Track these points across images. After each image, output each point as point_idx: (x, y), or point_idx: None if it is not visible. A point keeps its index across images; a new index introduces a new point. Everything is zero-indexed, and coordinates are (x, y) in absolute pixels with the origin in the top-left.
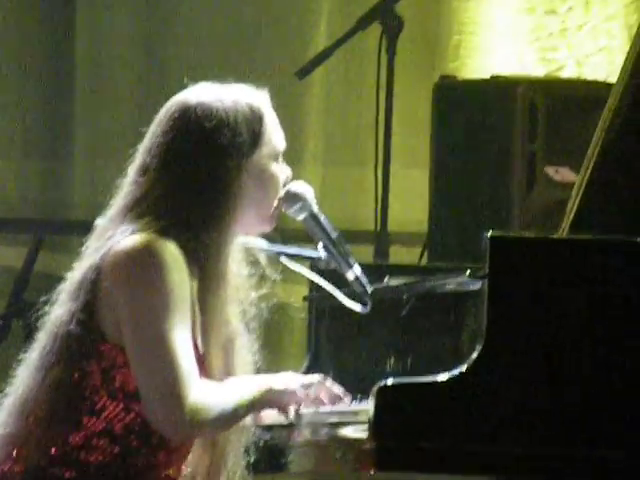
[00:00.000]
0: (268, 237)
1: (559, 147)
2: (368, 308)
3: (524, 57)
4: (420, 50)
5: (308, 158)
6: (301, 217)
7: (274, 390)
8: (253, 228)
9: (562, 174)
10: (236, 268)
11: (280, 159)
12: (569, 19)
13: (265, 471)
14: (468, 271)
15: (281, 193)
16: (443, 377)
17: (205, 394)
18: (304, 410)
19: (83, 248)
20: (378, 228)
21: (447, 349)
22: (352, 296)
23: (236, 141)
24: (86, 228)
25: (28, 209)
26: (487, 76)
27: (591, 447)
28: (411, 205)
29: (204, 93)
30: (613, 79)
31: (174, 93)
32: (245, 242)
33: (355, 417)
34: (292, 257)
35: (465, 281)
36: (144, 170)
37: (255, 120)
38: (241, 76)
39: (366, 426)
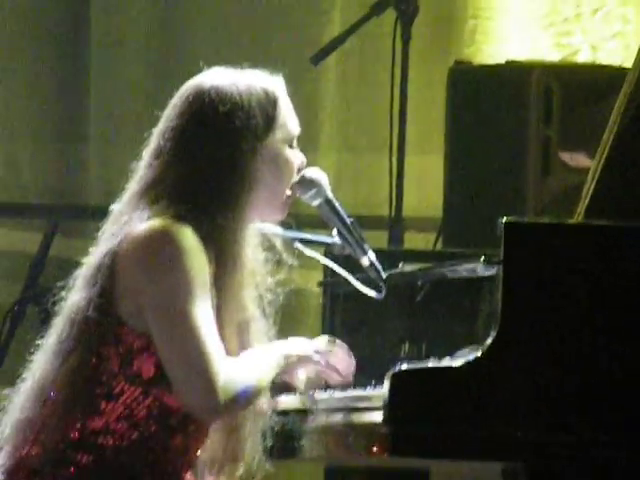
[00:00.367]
0: (283, 223)
1: (574, 132)
2: (383, 294)
3: (539, 42)
4: (435, 35)
5: (323, 144)
6: (316, 203)
7: (291, 355)
8: (265, 215)
9: (577, 159)
10: (252, 253)
11: (295, 145)
12: (584, 4)
13: (280, 456)
14: (483, 257)
15: (295, 179)
16: (458, 362)
17: (232, 371)
18: (320, 395)
19: (99, 233)
20: (393, 214)
21: (462, 334)
22: (367, 282)
23: (250, 124)
24: (102, 213)
25: (43, 194)
26: (502, 61)
27: (608, 433)
28: (426, 191)
29: (219, 77)
30: (628, 64)
31: (189, 78)
32: (261, 228)
33: (370, 402)
34: (307, 243)
35: (480, 267)
36: (158, 153)
37: (269, 104)
38: (256, 62)
39: (381, 411)
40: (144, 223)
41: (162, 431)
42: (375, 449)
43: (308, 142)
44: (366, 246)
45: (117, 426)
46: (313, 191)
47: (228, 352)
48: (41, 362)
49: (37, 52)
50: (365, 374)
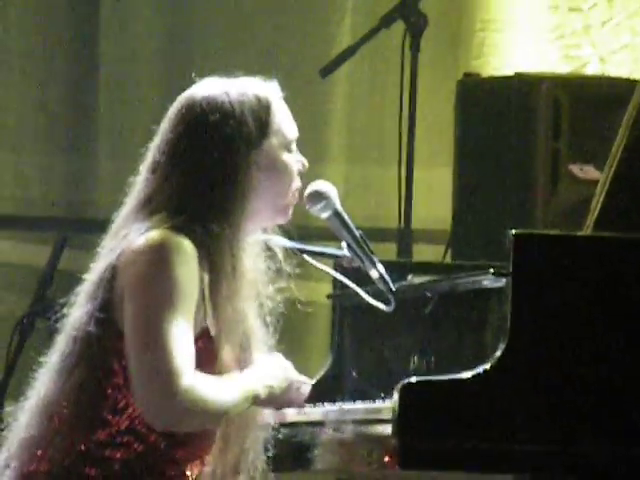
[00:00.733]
0: (291, 235)
1: (583, 145)
2: (392, 306)
3: (548, 54)
4: (444, 48)
5: (332, 156)
6: (325, 215)
7: (270, 393)
8: (268, 220)
9: (586, 171)
10: (251, 263)
11: (294, 148)
12: (592, 16)
13: (290, 468)
14: (492, 269)
15: (297, 183)
16: (467, 375)
17: (198, 386)
18: (328, 408)
19: (99, 248)
20: (402, 226)
21: (471, 346)
22: (376, 294)
23: (242, 131)
24: (111, 226)
25: (52, 208)
26: (511, 73)
27: (618, 444)
28: (434, 203)
29: (210, 87)
30: (637, 76)
31: None
32: (268, 239)
33: (379, 414)
34: (316, 255)
35: (489, 279)
36: (155, 167)
37: (262, 109)
38: (265, 74)
39: (390, 424)
40: (142, 236)
41: (167, 443)
42: (385, 461)
43: (317, 154)
44: (375, 258)
45: (123, 439)
46: (322, 203)
47: (224, 362)
48: (45, 380)
49: (47, 67)
50: (374, 386)
